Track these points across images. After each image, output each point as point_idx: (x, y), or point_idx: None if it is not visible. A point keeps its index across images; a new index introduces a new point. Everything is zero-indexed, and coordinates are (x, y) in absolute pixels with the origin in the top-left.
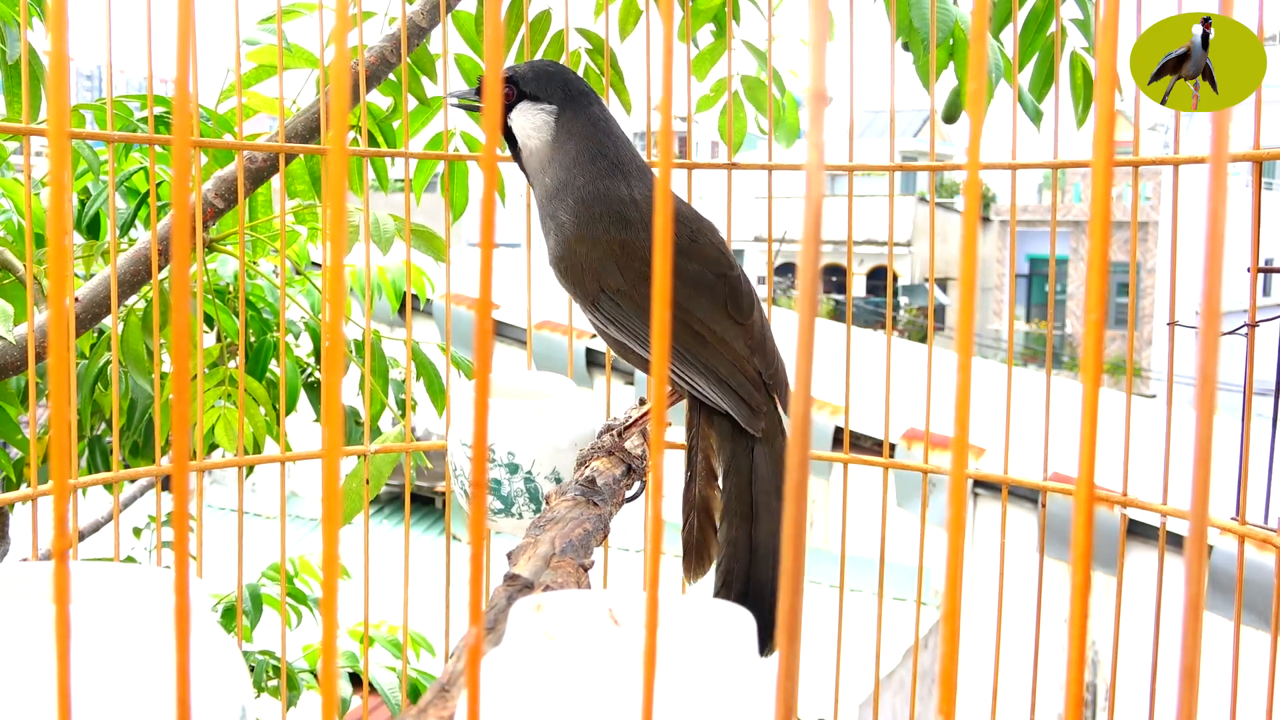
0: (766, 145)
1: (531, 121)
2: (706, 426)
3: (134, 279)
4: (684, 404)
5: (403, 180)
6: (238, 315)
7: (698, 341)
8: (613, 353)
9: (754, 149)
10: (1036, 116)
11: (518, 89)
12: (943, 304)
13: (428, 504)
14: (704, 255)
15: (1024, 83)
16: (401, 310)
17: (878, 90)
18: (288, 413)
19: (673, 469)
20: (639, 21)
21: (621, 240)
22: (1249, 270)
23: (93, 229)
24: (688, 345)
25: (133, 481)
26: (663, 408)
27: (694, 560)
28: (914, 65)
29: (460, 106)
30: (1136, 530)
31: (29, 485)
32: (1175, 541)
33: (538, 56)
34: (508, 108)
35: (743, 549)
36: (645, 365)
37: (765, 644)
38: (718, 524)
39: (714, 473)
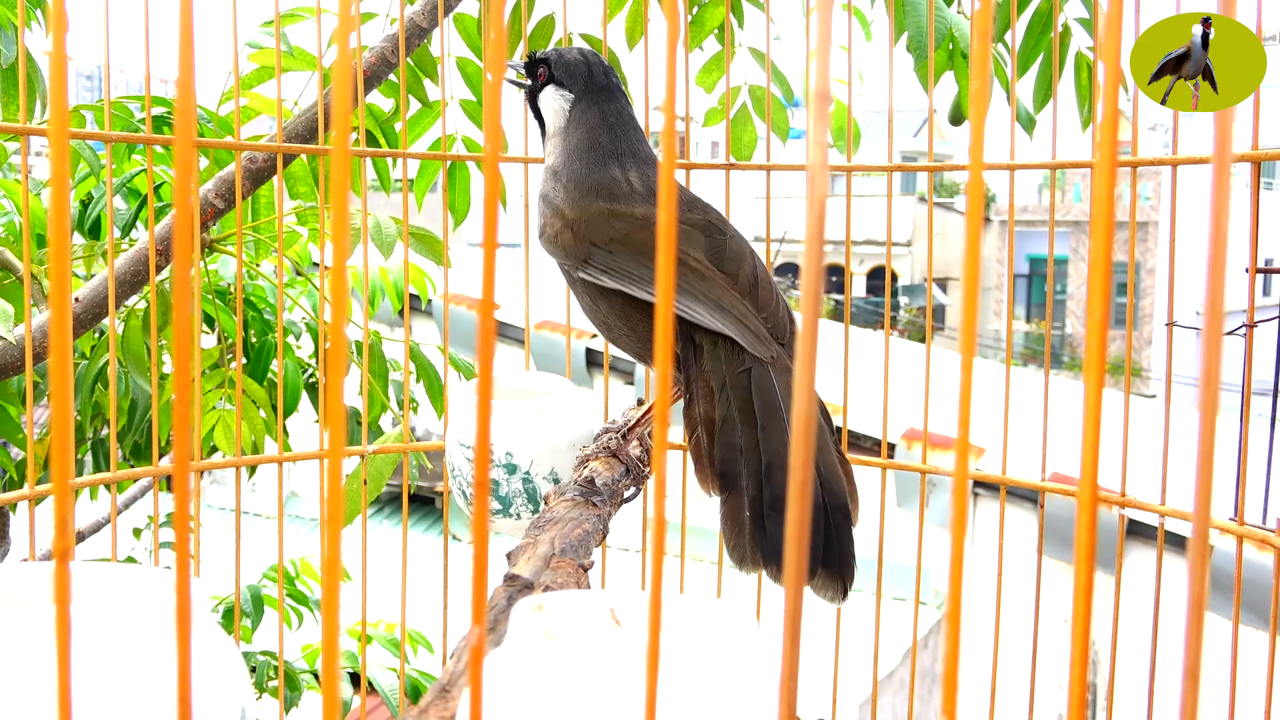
0: (765, 145)
1: (551, 105)
2: (699, 358)
3: (134, 279)
4: (683, 396)
5: (403, 181)
6: (238, 316)
7: (696, 275)
8: (604, 337)
9: (754, 149)
10: (1030, 125)
11: (550, 71)
12: (942, 304)
13: (427, 504)
14: (698, 219)
15: (1027, 87)
16: (402, 311)
17: (878, 90)
18: (289, 413)
19: (672, 471)
20: (644, 31)
21: (611, 208)
22: (1248, 270)
23: (94, 230)
24: (685, 278)
25: (134, 481)
26: (666, 405)
27: (707, 471)
28: (915, 71)
29: (511, 82)
30: (1136, 530)
31: (29, 485)
32: (1174, 541)
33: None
34: (540, 87)
35: (750, 453)
36: (641, 315)
37: (818, 568)
38: (719, 433)
39: (712, 391)
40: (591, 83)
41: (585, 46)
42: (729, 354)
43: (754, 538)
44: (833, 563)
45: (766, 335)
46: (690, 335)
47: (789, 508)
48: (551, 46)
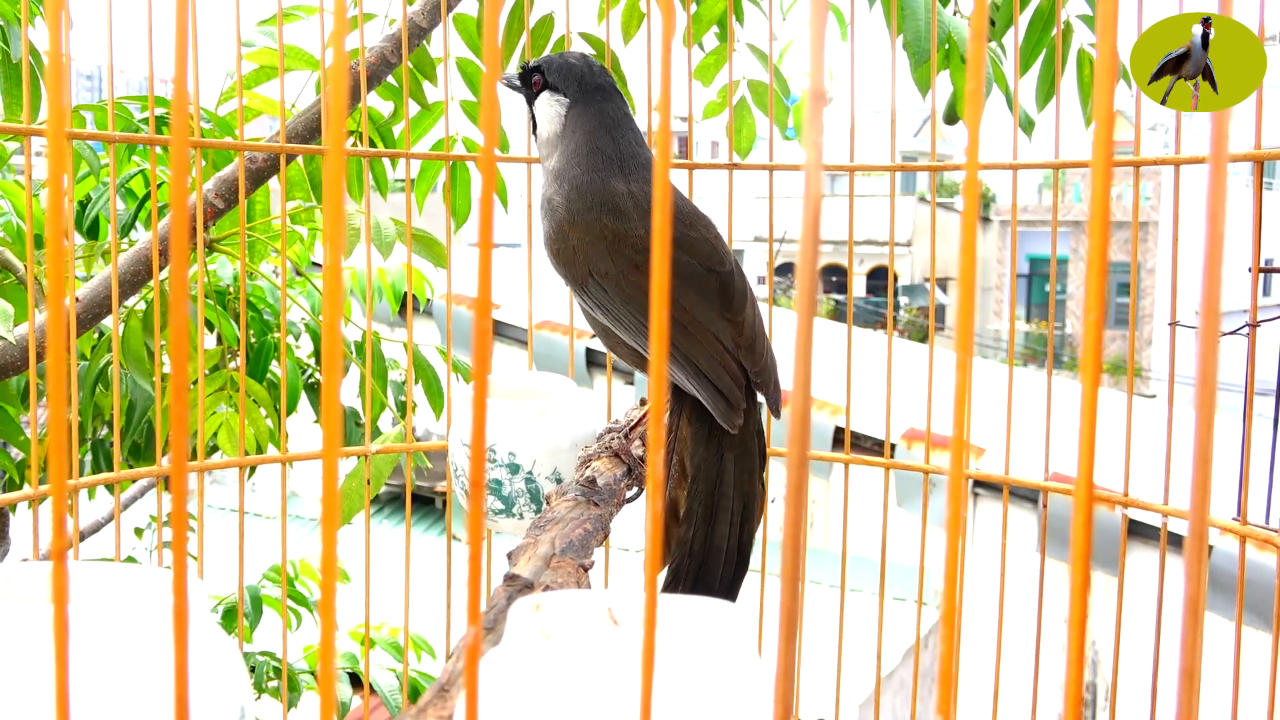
0: (768, 145)
1: (546, 111)
2: (685, 428)
3: (134, 279)
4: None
5: (403, 182)
6: (238, 317)
7: (678, 330)
8: (602, 345)
9: (755, 149)
10: (1028, 127)
11: (544, 78)
12: (943, 304)
13: (428, 504)
14: (696, 249)
15: (1029, 86)
16: (402, 311)
17: (878, 90)
18: (288, 414)
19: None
20: (641, 25)
21: (614, 229)
22: (1250, 270)
23: (93, 231)
24: (679, 343)
25: (134, 482)
26: (661, 407)
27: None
28: (912, 75)
29: (510, 88)
30: (1137, 530)
31: (30, 486)
32: (1176, 541)
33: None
34: (534, 95)
35: (698, 549)
36: (629, 352)
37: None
38: (680, 524)
39: (685, 474)
40: (585, 84)
41: (577, 51)
42: (709, 432)
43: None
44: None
45: (740, 400)
46: (676, 386)
47: (787, 513)
48: (547, 52)
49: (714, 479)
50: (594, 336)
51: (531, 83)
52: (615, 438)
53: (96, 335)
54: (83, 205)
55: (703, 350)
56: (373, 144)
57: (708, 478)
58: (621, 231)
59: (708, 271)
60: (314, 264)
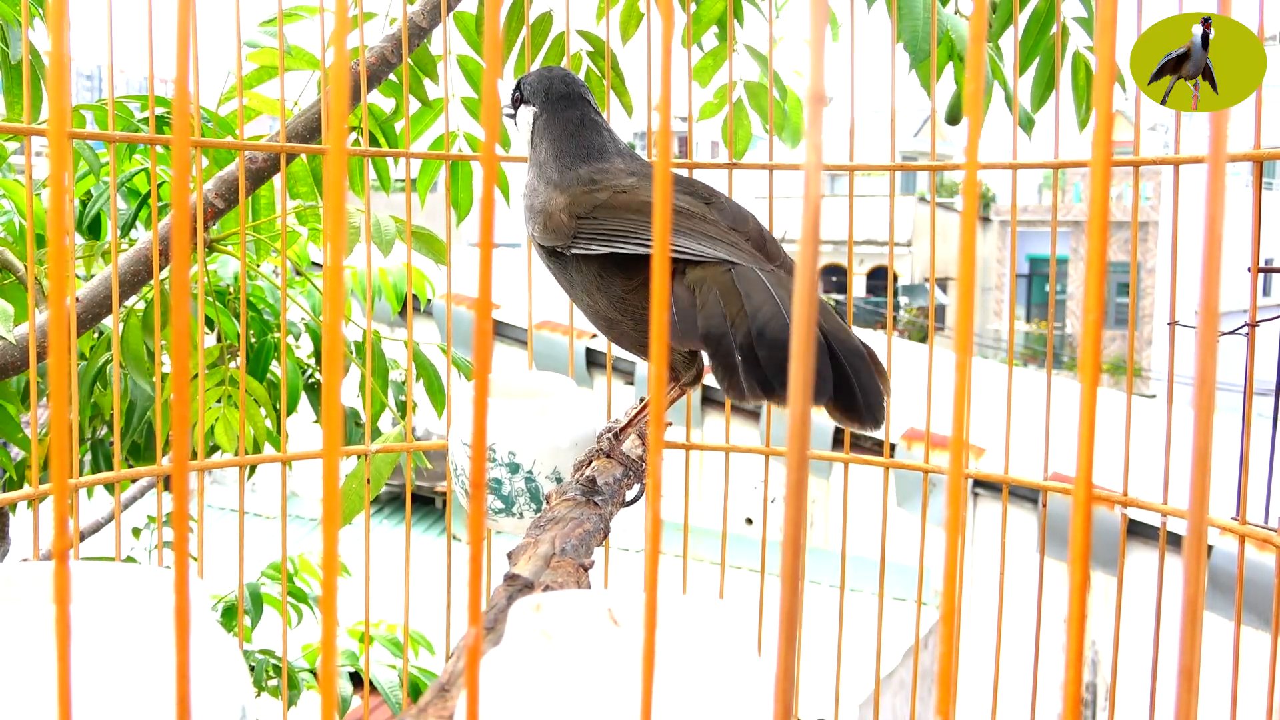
0: (767, 145)
1: (523, 123)
2: (683, 281)
3: (134, 279)
4: (683, 401)
5: (403, 181)
6: (238, 316)
7: (682, 215)
8: (604, 334)
9: (754, 149)
10: (1028, 125)
11: (522, 94)
12: (943, 304)
13: (428, 504)
14: (691, 192)
15: (1025, 86)
16: (402, 311)
17: (878, 90)
18: (288, 413)
19: (672, 471)
20: (640, 24)
21: (593, 191)
22: (1249, 270)
23: (94, 230)
24: (674, 221)
25: (134, 481)
26: (662, 407)
27: (679, 335)
28: (911, 69)
29: (509, 117)
30: (1137, 530)
31: (30, 485)
32: (1175, 541)
33: (539, 59)
34: (516, 109)
35: (736, 315)
36: (642, 298)
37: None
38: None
39: (693, 291)
40: (550, 94)
41: (561, 67)
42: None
43: (747, 370)
44: (844, 396)
45: (762, 260)
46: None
47: (787, 512)
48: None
49: (728, 279)
50: (594, 336)
51: (514, 100)
52: (607, 439)
53: (96, 335)
54: (83, 204)
55: (713, 226)
56: (374, 140)
57: (723, 283)
58: (601, 183)
59: (699, 200)
60: (314, 264)
